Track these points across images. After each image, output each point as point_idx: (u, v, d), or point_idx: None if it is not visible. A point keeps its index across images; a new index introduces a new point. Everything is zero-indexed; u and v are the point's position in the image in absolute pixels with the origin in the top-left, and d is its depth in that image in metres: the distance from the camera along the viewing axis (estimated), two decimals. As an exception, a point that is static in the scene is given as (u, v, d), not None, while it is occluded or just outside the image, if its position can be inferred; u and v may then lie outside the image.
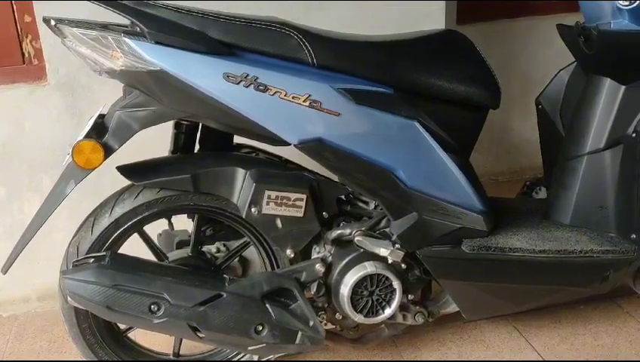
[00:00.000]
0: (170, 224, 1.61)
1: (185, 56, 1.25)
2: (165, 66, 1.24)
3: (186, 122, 1.49)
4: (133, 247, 1.46)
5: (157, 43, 1.24)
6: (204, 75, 1.26)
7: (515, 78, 2.56)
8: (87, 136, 1.31)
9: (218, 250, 1.58)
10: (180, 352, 1.59)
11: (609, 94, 1.59)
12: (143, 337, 1.66)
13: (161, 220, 1.55)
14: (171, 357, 1.59)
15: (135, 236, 1.49)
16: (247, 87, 1.27)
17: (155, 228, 1.59)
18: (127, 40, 1.24)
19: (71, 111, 1.89)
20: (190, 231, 1.54)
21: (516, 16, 2.56)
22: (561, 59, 1.78)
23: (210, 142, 1.54)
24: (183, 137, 1.51)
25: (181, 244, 1.57)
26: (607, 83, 1.59)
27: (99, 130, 1.34)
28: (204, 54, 1.26)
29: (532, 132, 1.83)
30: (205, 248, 1.58)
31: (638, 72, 1.53)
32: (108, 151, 1.31)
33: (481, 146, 2.63)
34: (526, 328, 1.80)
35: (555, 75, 1.80)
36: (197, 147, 1.55)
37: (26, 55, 1.88)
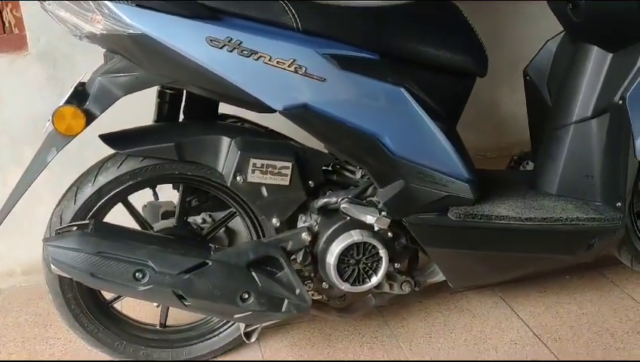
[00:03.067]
0: (155, 194, 1.59)
1: (167, 20, 1.22)
2: (147, 30, 1.21)
3: (169, 91, 1.47)
4: (119, 219, 1.44)
5: (138, 6, 1.21)
6: (186, 39, 1.23)
7: (504, 53, 2.54)
8: (68, 102, 1.28)
9: (204, 221, 1.57)
10: (167, 323, 1.59)
11: (596, 62, 1.59)
12: (130, 308, 1.66)
13: (146, 191, 1.55)
14: (158, 327, 1.58)
15: (121, 208, 1.47)
16: (230, 51, 1.25)
17: (141, 200, 1.58)
18: (107, 2, 1.21)
19: (53, 81, 1.85)
20: (176, 202, 1.53)
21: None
22: (551, 33, 1.77)
23: (194, 111, 1.53)
24: (166, 106, 1.49)
25: (166, 215, 1.57)
26: (595, 51, 1.59)
27: (80, 96, 1.31)
28: (187, 18, 1.23)
29: (520, 107, 1.83)
30: (191, 219, 1.57)
31: (625, 40, 1.53)
32: (89, 117, 1.28)
33: (469, 122, 2.63)
34: (512, 298, 1.82)
35: (543, 46, 1.79)
36: (181, 117, 1.53)
37: (7, 24, 1.84)
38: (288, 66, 1.27)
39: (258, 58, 1.26)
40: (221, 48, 1.24)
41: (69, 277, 1.33)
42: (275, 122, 1.46)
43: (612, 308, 1.76)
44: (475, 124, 2.65)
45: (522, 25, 2.54)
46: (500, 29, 2.56)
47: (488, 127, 2.71)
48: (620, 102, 1.50)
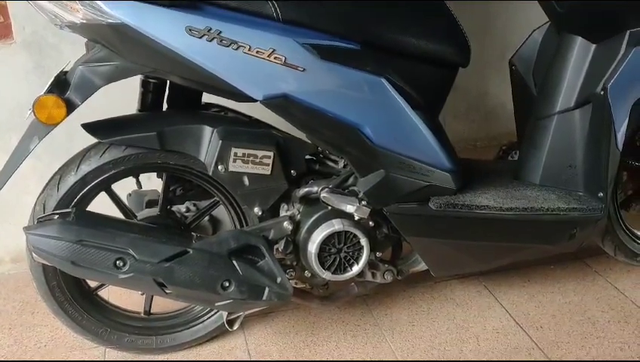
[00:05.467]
0: (139, 183, 1.60)
1: (146, 9, 1.22)
2: (126, 19, 1.21)
3: (153, 80, 1.48)
4: (104, 208, 1.45)
5: (117, -5, 1.22)
6: (166, 28, 1.23)
7: (492, 43, 2.54)
8: (49, 91, 1.29)
9: (188, 210, 1.58)
10: (152, 311, 1.61)
11: (580, 53, 1.59)
12: (116, 296, 1.67)
13: (131, 181, 1.55)
14: (142, 314, 1.60)
15: (105, 197, 1.48)
16: (210, 41, 1.25)
17: (126, 189, 1.59)
18: (86, -8, 1.21)
19: (38, 70, 1.86)
20: (160, 191, 1.54)
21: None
22: (539, 23, 1.77)
23: (177, 100, 1.53)
24: (150, 96, 1.50)
25: (150, 204, 1.57)
26: (579, 41, 1.59)
27: (61, 85, 1.31)
28: (166, 7, 1.23)
29: (509, 97, 1.84)
30: (175, 207, 1.58)
31: (608, 30, 1.53)
32: (70, 106, 1.29)
33: (458, 112, 2.65)
34: (496, 287, 1.83)
35: (529, 36, 1.79)
36: (165, 106, 1.54)
37: (-9, 12, 1.84)
38: (268, 56, 1.28)
39: (237, 48, 1.26)
40: (200, 38, 1.24)
41: (51, 265, 1.34)
42: (259, 111, 1.46)
43: (595, 298, 1.78)
44: (464, 114, 2.67)
45: (512, 14, 2.54)
46: (489, 18, 2.56)
47: (478, 116, 2.71)
48: (602, 92, 1.51)
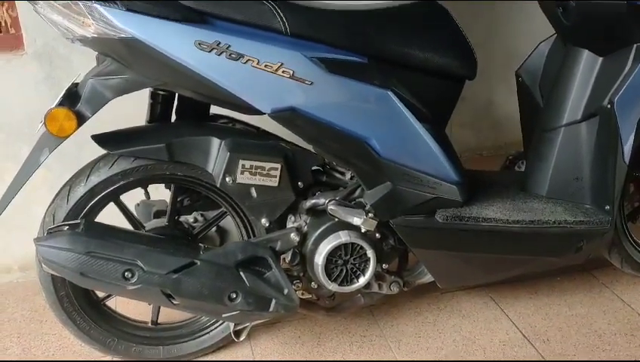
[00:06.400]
0: (147, 193, 1.61)
1: (156, 24, 1.24)
2: (137, 34, 1.23)
3: (162, 92, 1.49)
4: (112, 218, 1.47)
5: (128, 10, 1.23)
6: (175, 42, 1.25)
7: (499, 52, 2.55)
8: (60, 104, 1.30)
9: (195, 220, 1.59)
10: (159, 321, 1.62)
11: (587, 66, 1.60)
12: (123, 305, 1.68)
13: (139, 190, 1.57)
14: (149, 324, 1.61)
15: (114, 207, 1.50)
16: (219, 55, 1.26)
17: (134, 199, 1.60)
18: (98, 7, 1.23)
19: (49, 81, 1.88)
20: (168, 202, 1.55)
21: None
22: (545, 32, 1.77)
23: (186, 112, 1.54)
24: (159, 107, 1.51)
25: (158, 214, 1.59)
26: (585, 54, 1.60)
27: (72, 98, 1.33)
28: (176, 22, 1.25)
29: (515, 106, 1.84)
30: (183, 218, 1.59)
31: (614, 43, 1.54)
32: (81, 119, 1.31)
33: (465, 121, 2.66)
34: (502, 298, 1.83)
35: (536, 48, 1.80)
36: (174, 117, 1.55)
37: (3, 24, 1.86)
38: (276, 70, 1.29)
39: (246, 61, 1.28)
40: (210, 52, 1.26)
41: (60, 276, 1.35)
42: (267, 122, 1.47)
43: (601, 310, 1.77)
44: (471, 123, 2.67)
45: (518, 23, 2.55)
46: (496, 28, 2.57)
47: (485, 126, 2.71)
48: (609, 106, 1.51)
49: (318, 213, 1.48)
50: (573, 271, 1.91)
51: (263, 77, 1.29)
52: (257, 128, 1.57)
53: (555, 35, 1.74)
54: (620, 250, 1.78)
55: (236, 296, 1.37)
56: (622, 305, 1.79)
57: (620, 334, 1.67)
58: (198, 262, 1.35)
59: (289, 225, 1.50)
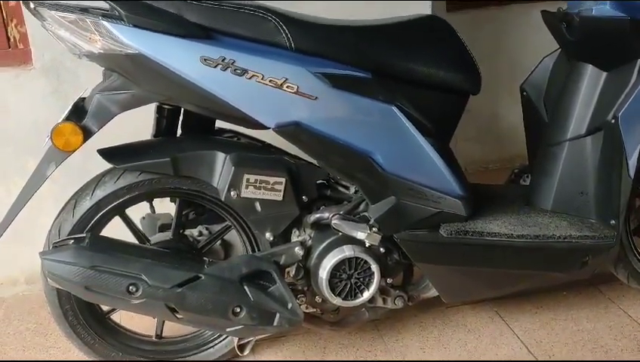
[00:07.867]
0: (152, 207, 1.62)
1: (162, 40, 1.26)
2: (143, 49, 1.25)
3: (167, 106, 1.50)
4: (117, 231, 1.47)
5: (135, 26, 1.25)
6: (181, 58, 1.27)
7: (504, 66, 2.56)
8: (67, 118, 1.32)
9: (200, 234, 1.60)
10: (163, 335, 1.61)
11: (591, 81, 1.60)
12: (126, 319, 1.69)
13: (144, 203, 1.57)
14: (153, 338, 1.61)
15: (119, 220, 1.50)
16: (224, 70, 1.27)
17: (140, 213, 1.61)
18: (105, 23, 1.25)
19: (56, 95, 1.90)
20: (173, 215, 1.56)
21: (505, 3, 2.56)
22: (550, 46, 1.78)
23: (191, 126, 1.55)
24: (165, 121, 1.52)
25: (163, 228, 1.59)
26: (590, 69, 1.60)
27: (78, 112, 1.35)
28: (181, 37, 1.26)
29: (520, 119, 1.85)
30: (187, 231, 1.59)
31: (619, 59, 1.54)
32: (87, 133, 1.32)
33: (470, 134, 2.66)
34: (507, 313, 1.82)
35: (540, 62, 1.81)
36: (179, 131, 1.56)
37: (12, 39, 1.89)
38: (281, 85, 1.30)
39: (251, 77, 1.29)
40: (215, 67, 1.27)
41: (65, 289, 1.36)
42: (272, 136, 1.48)
43: (607, 325, 1.76)
44: (476, 137, 2.67)
45: (522, 37, 2.56)
46: (500, 41, 2.58)
47: (490, 139, 2.72)
48: (613, 121, 1.51)
49: (322, 227, 1.49)
50: (580, 286, 1.90)
51: (268, 92, 1.30)
52: (262, 142, 1.58)
53: (560, 50, 1.74)
54: (626, 264, 1.77)
55: (240, 310, 1.37)
56: (629, 321, 1.77)
57: (626, 350, 1.66)
58: (203, 276, 1.36)
59: (293, 239, 1.50)
